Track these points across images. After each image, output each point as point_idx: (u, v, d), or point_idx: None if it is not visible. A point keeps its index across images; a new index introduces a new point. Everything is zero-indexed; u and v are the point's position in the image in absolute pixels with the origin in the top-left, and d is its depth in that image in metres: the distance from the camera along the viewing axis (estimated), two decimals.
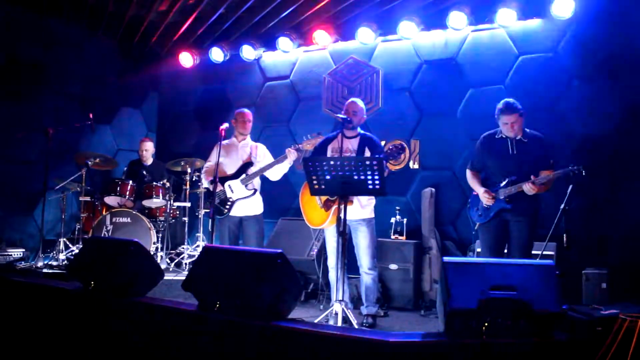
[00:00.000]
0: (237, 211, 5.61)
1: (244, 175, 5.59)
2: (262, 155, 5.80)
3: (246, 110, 5.91)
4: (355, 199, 4.83)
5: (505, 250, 4.69)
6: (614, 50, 5.66)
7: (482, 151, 4.82)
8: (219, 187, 5.58)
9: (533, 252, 4.96)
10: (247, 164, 5.66)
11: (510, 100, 4.62)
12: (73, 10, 7.42)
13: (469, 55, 6.49)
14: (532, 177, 4.43)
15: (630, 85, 5.55)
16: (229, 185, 5.61)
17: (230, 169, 5.69)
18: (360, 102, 5.12)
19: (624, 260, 5.28)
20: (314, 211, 4.94)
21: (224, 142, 5.82)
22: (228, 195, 5.60)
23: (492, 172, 4.78)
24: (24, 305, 4.32)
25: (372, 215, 5.04)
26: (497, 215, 4.65)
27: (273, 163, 5.51)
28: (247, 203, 5.61)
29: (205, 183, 5.71)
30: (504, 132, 4.65)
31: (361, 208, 4.92)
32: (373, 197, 5.02)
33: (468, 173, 4.95)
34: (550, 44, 6.01)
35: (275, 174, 5.62)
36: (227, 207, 5.59)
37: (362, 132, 5.09)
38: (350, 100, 5.16)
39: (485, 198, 4.66)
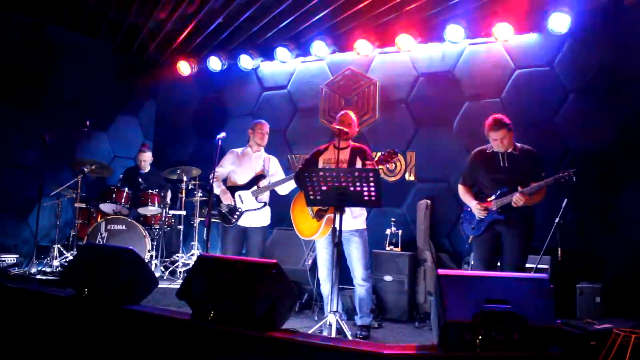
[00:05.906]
0: (244, 221, 5.58)
1: (255, 187, 5.58)
2: (275, 168, 5.81)
3: (265, 122, 5.88)
4: (347, 210, 4.82)
5: (499, 263, 4.67)
6: (609, 64, 5.70)
7: (474, 166, 4.85)
8: (230, 199, 5.56)
9: (527, 265, 4.95)
10: (260, 176, 5.63)
11: (498, 115, 4.64)
12: (72, 16, 7.43)
13: (466, 68, 6.52)
14: (519, 187, 4.44)
15: (626, 100, 5.58)
16: (239, 195, 5.58)
17: (242, 179, 5.67)
18: (353, 114, 5.14)
19: (618, 275, 5.30)
20: (305, 222, 4.92)
21: (238, 150, 5.80)
22: (238, 206, 5.57)
23: (484, 186, 4.78)
24: (16, 311, 4.30)
25: (364, 226, 5.03)
26: (490, 227, 4.64)
27: (286, 179, 5.51)
28: (255, 214, 5.60)
29: (215, 189, 5.65)
30: (494, 147, 4.68)
31: (352, 219, 4.91)
32: (364, 208, 5.03)
33: (460, 188, 4.97)
34: (546, 58, 6.05)
35: (284, 189, 5.62)
36: (236, 216, 5.56)
37: (352, 142, 5.10)
38: (343, 112, 5.18)
39: (477, 210, 4.67)
